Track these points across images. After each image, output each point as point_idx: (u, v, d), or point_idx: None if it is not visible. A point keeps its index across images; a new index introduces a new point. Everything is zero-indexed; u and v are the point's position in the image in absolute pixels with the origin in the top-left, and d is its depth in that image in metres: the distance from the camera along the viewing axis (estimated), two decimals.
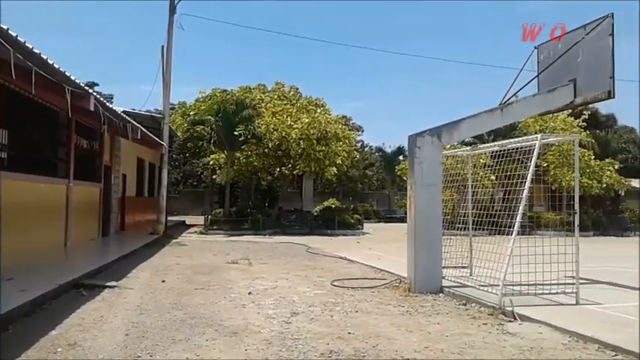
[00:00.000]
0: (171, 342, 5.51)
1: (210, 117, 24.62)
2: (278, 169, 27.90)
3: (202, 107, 26.21)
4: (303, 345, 5.45)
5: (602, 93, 9.18)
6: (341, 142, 25.33)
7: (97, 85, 39.78)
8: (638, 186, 32.99)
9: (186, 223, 29.31)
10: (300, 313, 7.04)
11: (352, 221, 25.34)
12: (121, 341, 5.52)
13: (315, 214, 26.50)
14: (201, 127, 25.10)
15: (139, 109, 22.12)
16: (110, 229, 17.89)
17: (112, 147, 18.27)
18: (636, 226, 26.78)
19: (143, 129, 16.55)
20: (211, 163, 29.21)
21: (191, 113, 26.36)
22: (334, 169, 25.21)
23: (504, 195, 12.29)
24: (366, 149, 45.91)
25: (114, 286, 8.78)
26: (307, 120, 24.24)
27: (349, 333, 6.02)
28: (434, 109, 76.69)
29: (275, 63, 76.89)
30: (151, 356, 5.03)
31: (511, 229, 7.46)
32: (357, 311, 7.25)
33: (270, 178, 30.46)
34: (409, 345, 5.54)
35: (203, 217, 27.31)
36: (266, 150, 25.03)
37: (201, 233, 22.96)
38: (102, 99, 11.59)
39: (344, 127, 27.85)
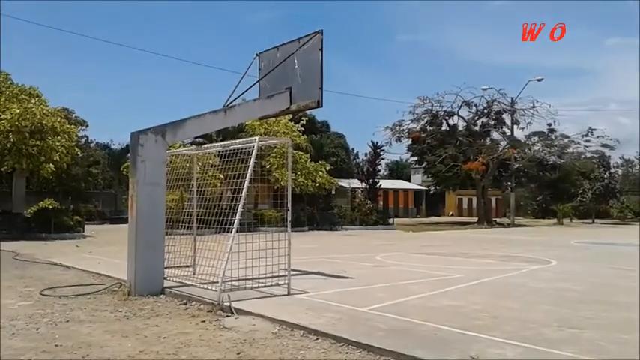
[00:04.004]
0: None
1: None
2: None
3: None
4: None
5: (312, 101, 10.10)
6: (59, 137, 23.09)
7: None
8: (345, 185, 37.55)
9: None
10: None
11: (72, 223, 23.34)
12: None
13: (28, 216, 23.70)
14: None
15: None
16: None
17: None
18: (343, 221, 30.38)
19: None
20: None
21: None
22: (52, 166, 22.85)
23: (233, 194, 12.73)
24: (92, 145, 42.86)
25: None
26: (19, 111, 21.48)
27: (57, 345, 5.51)
28: (168, 106, 75.54)
29: None
30: None
31: (239, 227, 7.76)
32: (68, 321, 6.68)
33: None
34: (123, 351, 5.31)
35: None
36: None
37: None
38: None
39: (64, 120, 25.45)
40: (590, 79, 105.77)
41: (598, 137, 41.50)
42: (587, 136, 41.30)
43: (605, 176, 49.08)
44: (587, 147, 42.27)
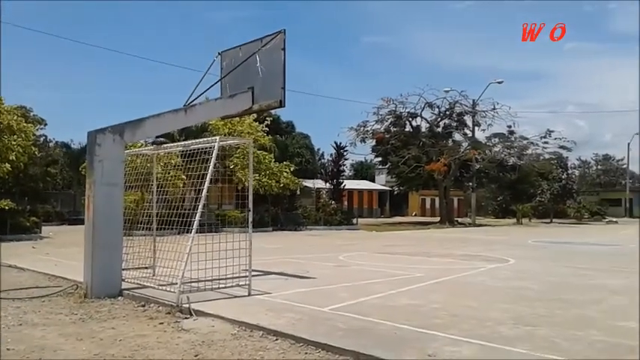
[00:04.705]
0: None
1: None
2: None
3: None
4: None
5: (275, 101, 10.05)
6: (16, 136, 22.42)
7: None
8: (310, 185, 37.56)
9: None
10: None
11: (29, 224, 22.69)
12: None
13: None
14: None
15: None
16: None
17: None
18: (307, 221, 30.39)
19: None
20: None
21: None
22: (7, 165, 22.16)
23: (195, 194, 12.57)
24: (51, 144, 41.75)
25: None
26: None
27: (8, 349, 5.36)
28: (132, 105, 74.19)
29: None
30: None
31: (199, 228, 7.68)
32: (21, 324, 6.50)
33: None
34: (77, 354, 5.21)
35: None
36: None
37: None
38: None
39: (20, 118, 24.72)
40: (548, 83, 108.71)
41: (556, 139, 42.81)
42: (545, 137, 42.52)
43: (563, 177, 50.35)
44: (545, 148, 43.54)
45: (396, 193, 55.20)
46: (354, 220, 33.85)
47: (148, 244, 9.85)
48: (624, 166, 70.73)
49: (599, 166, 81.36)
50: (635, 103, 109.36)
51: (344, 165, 41.80)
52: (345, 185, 39.38)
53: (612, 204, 58.74)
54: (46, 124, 41.41)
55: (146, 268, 9.58)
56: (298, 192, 33.23)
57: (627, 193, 62.03)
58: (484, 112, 39.81)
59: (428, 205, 57.87)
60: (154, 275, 9.29)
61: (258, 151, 26.94)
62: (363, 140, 41.12)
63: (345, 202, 42.76)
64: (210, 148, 8.40)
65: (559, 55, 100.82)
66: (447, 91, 39.53)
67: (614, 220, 48.81)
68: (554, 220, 47.09)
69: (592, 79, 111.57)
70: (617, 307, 7.67)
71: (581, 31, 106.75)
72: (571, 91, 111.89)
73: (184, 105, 9.87)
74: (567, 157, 51.22)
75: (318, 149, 55.59)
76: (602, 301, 8.07)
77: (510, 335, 5.81)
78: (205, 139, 9.27)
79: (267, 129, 28.08)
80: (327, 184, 37.97)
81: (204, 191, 7.78)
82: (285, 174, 27.91)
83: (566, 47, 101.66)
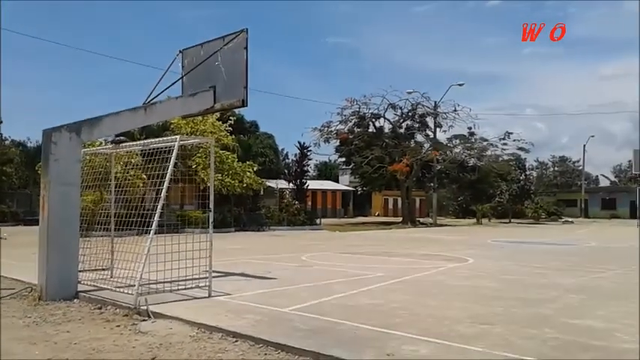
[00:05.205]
0: None
1: None
2: None
3: None
4: None
5: (237, 101, 9.97)
6: None
7: None
8: (273, 185, 37.41)
9: None
10: None
11: None
12: None
13: None
14: None
15: None
16: None
17: None
18: (270, 221, 30.28)
19: None
20: None
21: None
22: None
23: (156, 194, 12.35)
24: (6, 143, 40.51)
25: None
26: None
27: None
28: (93, 103, 72.47)
29: None
30: None
31: (160, 228, 7.57)
32: None
33: None
34: (30, 358, 5.06)
35: None
36: None
37: None
38: None
39: None
40: (508, 86, 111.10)
41: (515, 141, 43.78)
42: (504, 139, 43.42)
43: (521, 178, 51.58)
44: (504, 150, 44.46)
45: (359, 193, 55.56)
46: (318, 221, 33.91)
47: (106, 245, 9.65)
48: (580, 167, 72.92)
49: (556, 168, 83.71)
50: (590, 107, 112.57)
51: (308, 165, 41.74)
52: (308, 185, 39.39)
53: (568, 204, 60.51)
54: (1, 122, 40.23)
55: (104, 269, 9.37)
56: (261, 192, 33.04)
57: (583, 194, 64.00)
58: (445, 113, 40.47)
59: (391, 205, 58.41)
60: (111, 277, 9.10)
61: (221, 151, 26.69)
62: (326, 140, 41.27)
63: (309, 203, 42.76)
64: (171, 147, 8.29)
65: (519, 59, 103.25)
66: (409, 93, 40.04)
67: (570, 220, 50.30)
68: (512, 220, 48.21)
69: (550, 82, 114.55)
70: (570, 305, 7.88)
71: (540, 35, 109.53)
72: (530, 94, 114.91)
73: (144, 103, 9.70)
74: (525, 159, 52.57)
75: (282, 149, 55.56)
76: (556, 299, 8.29)
77: (467, 334, 5.92)
78: (165, 138, 9.14)
79: (230, 128, 27.85)
80: (291, 185, 37.91)
81: (164, 191, 7.67)
82: (248, 174, 27.72)
83: (525, 51, 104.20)
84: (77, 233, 8.40)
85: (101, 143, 19.15)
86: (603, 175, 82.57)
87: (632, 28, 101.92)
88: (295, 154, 39.46)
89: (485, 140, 43.53)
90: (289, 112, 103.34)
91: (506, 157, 46.03)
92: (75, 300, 7.93)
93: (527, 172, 56.52)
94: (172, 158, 7.86)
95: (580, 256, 15.72)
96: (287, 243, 20.68)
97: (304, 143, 38.78)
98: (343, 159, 47.39)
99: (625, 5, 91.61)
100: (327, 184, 57.29)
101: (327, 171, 66.09)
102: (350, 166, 48.43)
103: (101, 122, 8.90)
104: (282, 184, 39.14)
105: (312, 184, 44.75)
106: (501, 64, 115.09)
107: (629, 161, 52.92)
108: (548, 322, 6.57)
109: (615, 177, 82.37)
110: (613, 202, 62.87)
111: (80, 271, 8.52)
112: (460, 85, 39.92)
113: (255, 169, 28.39)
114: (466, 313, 7.00)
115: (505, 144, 43.67)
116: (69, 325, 6.46)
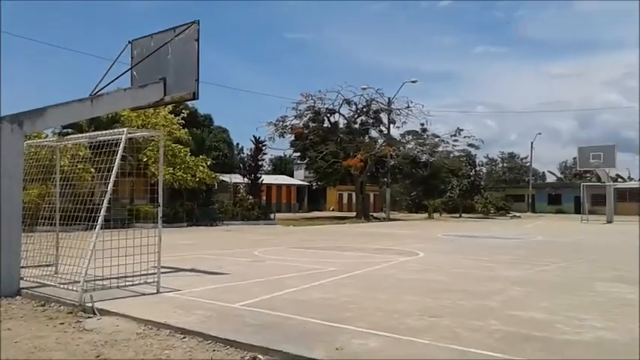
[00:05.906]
0: None
1: None
2: None
3: None
4: None
5: (188, 93, 9.81)
6: None
7: None
8: (227, 180, 37.07)
9: None
10: None
11: None
12: None
13: None
14: None
15: None
16: None
17: None
18: (224, 216, 29.99)
19: None
20: None
21: None
22: None
23: (105, 188, 12.02)
24: None
25: None
26: None
27: None
28: (41, 95, 69.95)
29: None
30: None
31: (109, 223, 7.37)
32: None
33: None
34: None
35: None
36: None
37: None
38: None
39: None
40: (460, 84, 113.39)
41: (465, 137, 44.80)
42: (455, 135, 44.38)
43: (471, 173, 52.72)
44: (455, 146, 45.46)
45: (314, 188, 55.69)
46: (272, 215, 33.79)
47: (50, 240, 9.34)
48: (528, 164, 75.23)
49: (505, 164, 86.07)
50: (538, 105, 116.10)
51: (263, 160, 41.54)
52: (263, 180, 39.19)
53: (516, 200, 62.32)
54: None
55: (48, 265, 9.09)
56: (215, 186, 32.69)
57: (530, 189, 66.05)
58: (399, 110, 40.99)
59: (345, 200, 58.80)
60: (56, 273, 8.83)
61: (174, 145, 26.22)
62: (282, 135, 41.22)
63: (264, 197, 42.59)
64: (119, 140, 8.08)
65: (470, 58, 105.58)
66: (364, 89, 40.41)
67: (518, 215, 51.88)
68: (463, 214, 49.29)
69: (500, 81, 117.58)
70: (515, 297, 8.10)
71: (491, 35, 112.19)
72: (481, 92, 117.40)
73: (91, 94, 9.43)
74: (476, 155, 53.78)
75: (237, 144, 54.91)
76: (502, 291, 8.51)
77: (416, 326, 6.01)
78: (113, 130, 8.90)
79: (183, 122, 27.37)
80: (245, 179, 37.64)
81: (111, 184, 7.48)
82: (201, 168, 27.32)
83: (476, 50, 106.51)
84: (19, 228, 8.10)
85: (47, 136, 18.54)
86: (550, 172, 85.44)
87: (579, 28, 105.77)
88: (250, 149, 39.19)
89: (437, 137, 44.39)
90: (244, 106, 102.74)
91: (457, 154, 47.05)
92: (17, 297, 7.65)
93: (477, 168, 57.81)
94: (120, 151, 7.67)
95: (526, 250, 16.21)
96: (240, 238, 20.53)
97: (259, 137, 38.58)
98: (298, 154, 47.43)
99: (575, 5, 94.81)
100: (282, 179, 57.19)
101: (282, 166, 65.91)
102: (305, 161, 48.51)
103: (45, 113, 8.60)
104: (236, 178, 38.81)
105: (267, 179, 44.56)
106: (454, 63, 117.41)
107: (574, 158, 54.68)
108: (493, 314, 6.74)
109: (561, 173, 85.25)
110: (559, 198, 65.07)
111: (22, 267, 8.22)
112: (413, 82, 40.48)
113: (208, 163, 28.01)
114: (415, 307, 7.11)
115: (456, 140, 44.68)
116: (10, 323, 6.22)
